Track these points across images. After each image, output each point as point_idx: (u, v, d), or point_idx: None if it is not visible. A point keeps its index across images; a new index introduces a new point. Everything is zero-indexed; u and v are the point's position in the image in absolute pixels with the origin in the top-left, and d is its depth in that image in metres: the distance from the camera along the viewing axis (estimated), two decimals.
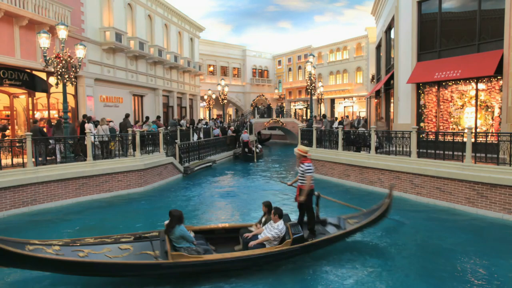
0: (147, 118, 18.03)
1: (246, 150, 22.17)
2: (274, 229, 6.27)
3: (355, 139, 14.59)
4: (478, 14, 12.84)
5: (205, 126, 23.15)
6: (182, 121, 21.69)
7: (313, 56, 19.74)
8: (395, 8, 16.38)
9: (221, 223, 7.83)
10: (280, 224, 6.31)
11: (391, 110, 18.06)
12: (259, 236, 6.41)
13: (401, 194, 11.78)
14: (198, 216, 10.10)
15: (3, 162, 10.24)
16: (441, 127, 14.11)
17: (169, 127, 17.77)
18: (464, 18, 13.67)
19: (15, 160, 10.78)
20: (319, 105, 34.47)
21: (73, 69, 11.83)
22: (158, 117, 19.72)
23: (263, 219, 6.87)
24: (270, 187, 14.11)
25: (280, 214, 6.36)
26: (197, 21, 30.83)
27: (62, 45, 11.62)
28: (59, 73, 11.50)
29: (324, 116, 20.94)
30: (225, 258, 5.87)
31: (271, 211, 6.46)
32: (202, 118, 32.26)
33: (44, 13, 13.94)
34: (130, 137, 13.34)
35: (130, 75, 20.57)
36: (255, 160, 21.63)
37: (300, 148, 7.44)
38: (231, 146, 24.51)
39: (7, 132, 14.39)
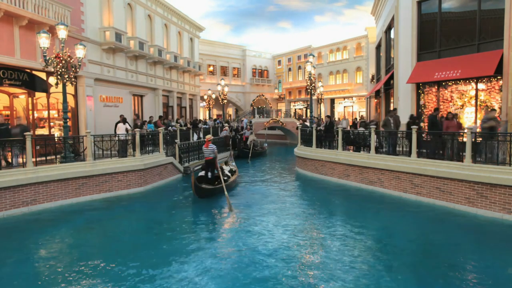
0: (144, 121, 17.83)
1: (242, 145, 24.19)
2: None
3: (355, 139, 14.60)
4: (478, 14, 12.85)
5: (205, 126, 23.20)
6: (180, 121, 21.69)
7: (313, 56, 19.75)
8: (395, 8, 16.39)
9: None
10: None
11: (391, 110, 18.06)
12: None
13: (401, 194, 11.78)
14: (200, 213, 10.10)
15: (3, 162, 10.24)
16: None
17: (169, 128, 17.82)
18: (464, 18, 13.68)
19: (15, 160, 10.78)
20: (319, 105, 34.46)
21: (73, 69, 11.82)
22: (160, 117, 19.70)
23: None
24: (267, 186, 14.12)
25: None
26: (197, 21, 30.82)
27: (62, 45, 11.61)
28: (59, 73, 11.49)
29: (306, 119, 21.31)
30: None
31: None
32: (216, 118, 32.47)
33: (44, 13, 13.93)
34: (130, 137, 13.37)
35: (130, 75, 20.56)
36: (249, 161, 22.27)
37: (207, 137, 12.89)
38: (231, 146, 24.57)
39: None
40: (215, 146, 12.75)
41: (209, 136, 12.98)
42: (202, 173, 13.08)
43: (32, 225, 9.18)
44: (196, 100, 31.15)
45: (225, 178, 13.17)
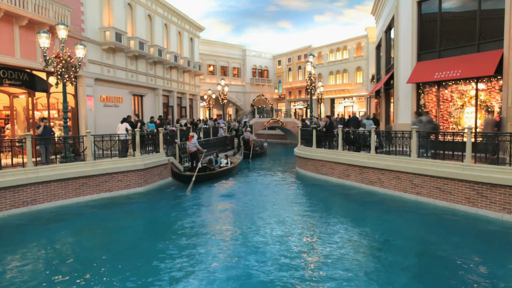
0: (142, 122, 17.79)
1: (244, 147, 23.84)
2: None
3: (355, 139, 14.60)
4: (478, 14, 12.84)
5: (205, 126, 23.19)
6: (182, 121, 21.64)
7: (313, 56, 19.74)
8: (395, 8, 16.39)
9: None
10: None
11: (391, 110, 18.06)
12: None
13: (401, 194, 11.78)
14: (200, 213, 10.10)
15: (3, 162, 10.25)
16: (441, 127, 14.10)
17: (168, 126, 17.91)
18: (464, 18, 13.67)
19: (15, 160, 10.78)
20: (319, 105, 34.47)
21: (73, 69, 11.82)
22: (160, 117, 19.68)
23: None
24: (267, 186, 14.12)
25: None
26: (197, 21, 30.81)
27: (62, 45, 11.61)
28: (59, 73, 11.49)
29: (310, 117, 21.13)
30: None
31: None
32: (215, 118, 32.49)
33: (44, 13, 13.93)
34: (130, 137, 13.37)
35: (130, 75, 20.56)
36: (250, 161, 22.35)
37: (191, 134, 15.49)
38: (231, 146, 24.60)
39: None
40: (196, 141, 15.48)
41: (193, 133, 16.05)
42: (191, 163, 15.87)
43: (32, 225, 9.18)
44: (196, 100, 31.15)
45: (212, 167, 16.29)
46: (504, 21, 11.69)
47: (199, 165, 15.05)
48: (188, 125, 20.69)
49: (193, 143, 15.07)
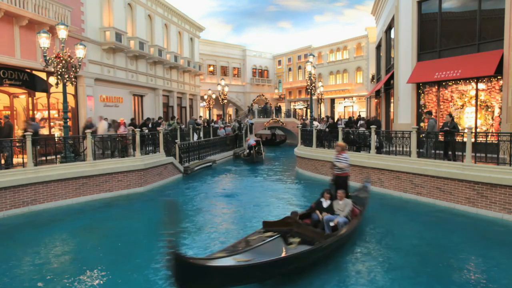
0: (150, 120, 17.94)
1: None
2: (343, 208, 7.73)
3: (355, 139, 14.60)
4: (478, 14, 12.84)
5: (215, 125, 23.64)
6: (199, 121, 22.62)
7: (313, 56, 19.74)
8: (395, 8, 16.39)
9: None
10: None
11: (391, 110, 18.07)
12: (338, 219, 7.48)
13: (401, 194, 11.78)
14: (201, 214, 10.10)
15: (3, 161, 10.25)
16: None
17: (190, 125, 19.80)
18: (464, 18, 13.68)
19: (15, 160, 10.78)
20: (319, 105, 34.45)
21: (73, 69, 11.82)
22: (160, 118, 19.71)
23: (325, 206, 7.90)
24: (267, 186, 14.12)
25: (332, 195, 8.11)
26: (197, 21, 30.81)
27: (62, 45, 11.61)
28: (59, 73, 11.49)
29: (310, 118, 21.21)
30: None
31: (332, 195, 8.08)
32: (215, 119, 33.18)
33: (44, 13, 13.93)
34: (130, 137, 13.37)
35: (130, 75, 20.56)
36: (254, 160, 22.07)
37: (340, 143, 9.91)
38: (231, 146, 24.57)
39: None
40: (252, 141, 22.78)
41: (248, 137, 23.90)
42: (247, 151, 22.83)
43: (32, 225, 9.18)
44: (196, 100, 31.15)
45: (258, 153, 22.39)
46: (504, 21, 11.69)
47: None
48: (205, 124, 22.02)
49: (248, 143, 22.55)
